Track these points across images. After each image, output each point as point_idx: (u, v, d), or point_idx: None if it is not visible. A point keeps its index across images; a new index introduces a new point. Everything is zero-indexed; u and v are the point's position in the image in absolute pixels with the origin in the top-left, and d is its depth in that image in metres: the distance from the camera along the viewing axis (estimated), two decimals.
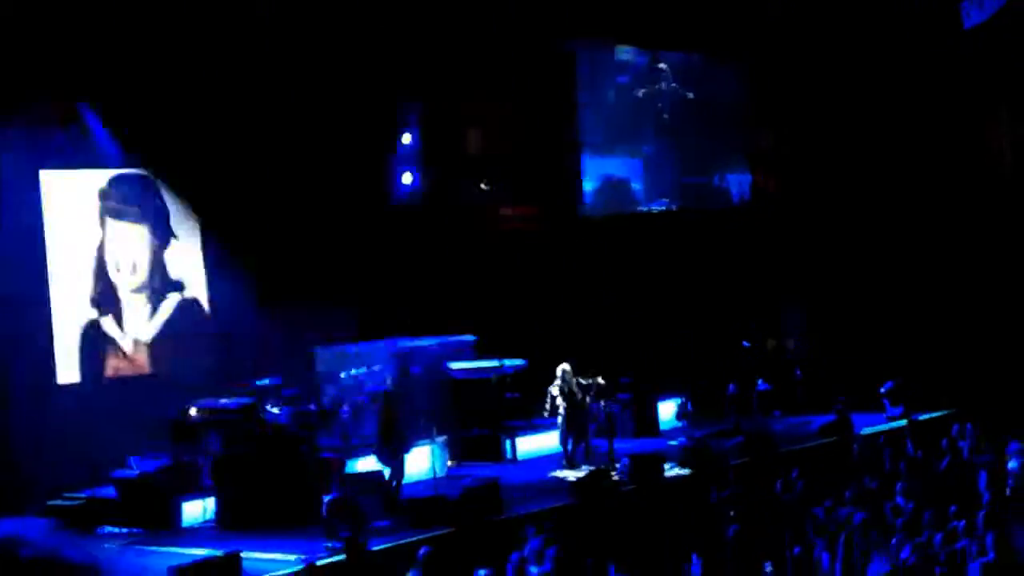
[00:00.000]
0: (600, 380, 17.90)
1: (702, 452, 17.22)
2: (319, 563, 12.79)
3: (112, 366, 18.42)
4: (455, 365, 19.42)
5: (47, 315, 17.80)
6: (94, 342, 18.24)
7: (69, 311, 18.04)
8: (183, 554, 13.70)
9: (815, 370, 20.79)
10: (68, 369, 17.96)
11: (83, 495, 16.17)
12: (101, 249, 18.51)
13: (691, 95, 25.13)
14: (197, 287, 19.34)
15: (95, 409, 17.51)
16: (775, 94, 24.82)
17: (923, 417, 19.56)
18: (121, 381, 18.38)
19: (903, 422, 19.38)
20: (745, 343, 21.08)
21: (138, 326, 18.73)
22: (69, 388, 17.85)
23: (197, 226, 19.33)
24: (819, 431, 18.93)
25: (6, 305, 16.95)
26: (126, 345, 18.60)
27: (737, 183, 25.85)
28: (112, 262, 18.59)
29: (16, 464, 16.46)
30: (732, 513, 14.73)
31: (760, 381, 20.65)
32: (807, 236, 22.71)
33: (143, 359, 18.72)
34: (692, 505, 15.58)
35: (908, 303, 22.02)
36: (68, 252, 18.09)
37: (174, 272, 19.19)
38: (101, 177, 18.57)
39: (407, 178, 22.10)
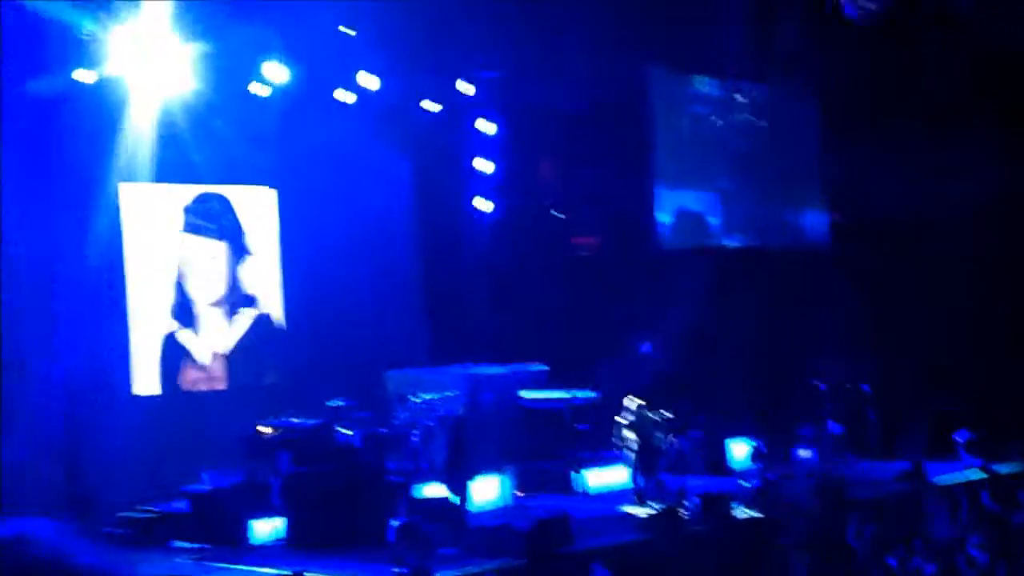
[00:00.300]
0: (669, 415, 17.74)
1: (773, 494, 17.03)
2: None
3: (189, 378, 18.57)
4: (526, 394, 19.38)
5: (125, 327, 17.97)
6: (172, 353, 18.40)
7: (148, 323, 18.22)
8: (250, 572, 13.77)
9: (891, 415, 20.48)
10: (145, 381, 18.13)
11: (155, 508, 16.29)
12: (180, 263, 18.69)
13: (767, 128, 24.97)
14: (272, 303, 19.47)
15: (171, 422, 17.70)
16: (851, 128, 24.56)
17: (1001, 469, 19.25)
18: (197, 395, 18.54)
19: (981, 474, 19.07)
20: (820, 385, 20.83)
21: (214, 339, 18.90)
22: (145, 400, 18.01)
23: (275, 242, 19.47)
24: (894, 478, 18.66)
25: (88, 316, 17.13)
26: (203, 357, 18.75)
27: (813, 220, 25.63)
28: (190, 276, 18.76)
29: (91, 475, 16.60)
30: (802, 558, 14.58)
31: (833, 424, 20.39)
32: (888, 275, 22.43)
33: (219, 371, 18.87)
34: (761, 547, 15.43)
35: (988, 348, 21.66)
36: (148, 265, 18.28)
37: (249, 288, 19.33)
38: (184, 193, 18.76)
39: (486, 205, 22.18)
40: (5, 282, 16.21)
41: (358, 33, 18.77)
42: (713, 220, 24.44)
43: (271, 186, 19.49)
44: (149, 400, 18.03)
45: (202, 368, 18.73)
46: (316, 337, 19.07)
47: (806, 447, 19.84)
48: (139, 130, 17.75)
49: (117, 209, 17.97)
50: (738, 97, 24.80)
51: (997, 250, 23.04)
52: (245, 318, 19.27)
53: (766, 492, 17.07)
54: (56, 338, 16.75)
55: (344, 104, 19.56)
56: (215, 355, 18.84)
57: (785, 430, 20.12)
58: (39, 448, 16.15)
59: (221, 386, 18.80)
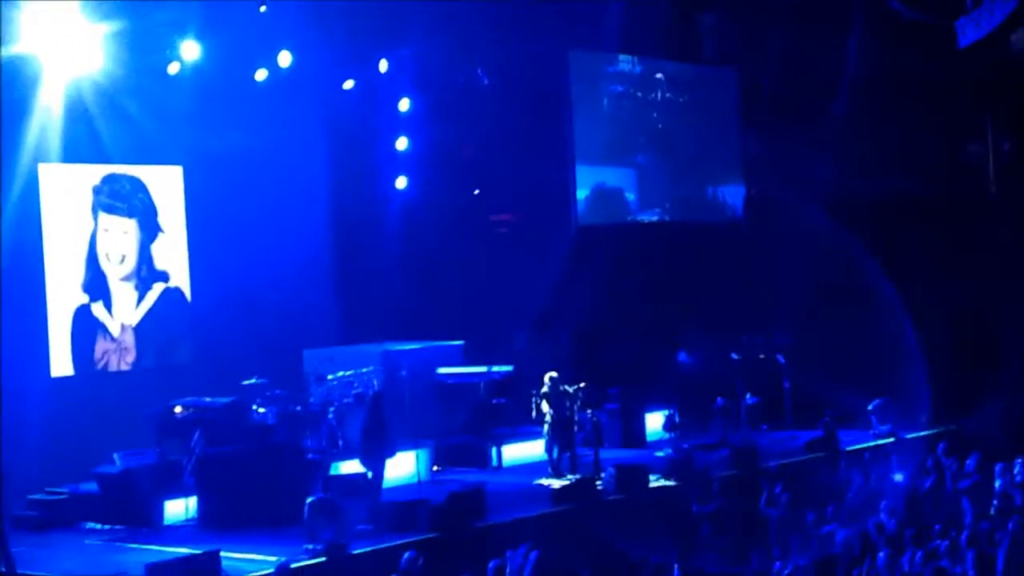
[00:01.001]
0: (585, 388, 17.83)
1: (687, 464, 17.23)
2: (295, 565, 12.75)
3: (103, 357, 18.40)
4: (443, 370, 19.42)
5: (43, 307, 17.84)
6: (86, 331, 18.25)
7: (63, 300, 18.11)
8: (163, 552, 13.68)
9: (803, 385, 20.78)
10: (61, 361, 17.97)
11: (65, 491, 16.13)
12: (93, 240, 18.52)
13: (686, 106, 25.16)
14: (183, 281, 19.33)
15: (85, 403, 17.52)
16: (767, 106, 24.88)
17: (910, 436, 19.61)
18: (112, 375, 18.35)
19: (890, 440, 19.42)
20: (734, 356, 21.06)
21: (127, 315, 18.76)
22: (61, 381, 17.82)
23: (183, 221, 19.33)
24: (806, 446, 18.94)
25: (3, 297, 16.91)
26: (116, 333, 18.58)
27: (731, 195, 25.89)
28: (103, 253, 18.60)
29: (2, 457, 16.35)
30: (717, 526, 14.77)
31: (748, 395, 20.64)
32: (799, 250, 22.73)
33: (131, 348, 18.71)
34: (676, 516, 15.60)
35: (898, 319, 22.03)
36: (62, 244, 18.18)
37: (160, 265, 19.19)
38: (96, 172, 18.56)
39: (401, 182, 22.15)
40: None
41: (272, 10, 18.62)
42: (630, 196, 24.58)
43: (183, 165, 19.29)
44: (64, 381, 17.84)
45: (116, 345, 18.59)
46: (230, 315, 18.92)
47: (720, 417, 20.05)
48: (50, 109, 17.54)
49: (30, 189, 17.72)
50: (658, 75, 24.95)
51: (906, 228, 23.46)
52: (155, 294, 19.12)
53: (681, 462, 17.26)
54: None
55: (258, 82, 19.40)
56: (127, 331, 18.70)
57: (700, 400, 20.33)
58: None
59: (134, 364, 18.61)
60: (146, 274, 19.09)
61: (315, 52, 19.63)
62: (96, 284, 18.52)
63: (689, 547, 14.34)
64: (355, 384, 18.12)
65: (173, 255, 19.29)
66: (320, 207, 21.02)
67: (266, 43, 19.11)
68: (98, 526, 15.49)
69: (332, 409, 17.75)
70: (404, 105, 21.94)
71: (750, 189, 25.72)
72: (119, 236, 18.84)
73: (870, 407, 19.99)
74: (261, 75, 19.38)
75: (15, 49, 16.75)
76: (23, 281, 17.48)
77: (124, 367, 18.57)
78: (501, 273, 21.78)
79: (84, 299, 18.39)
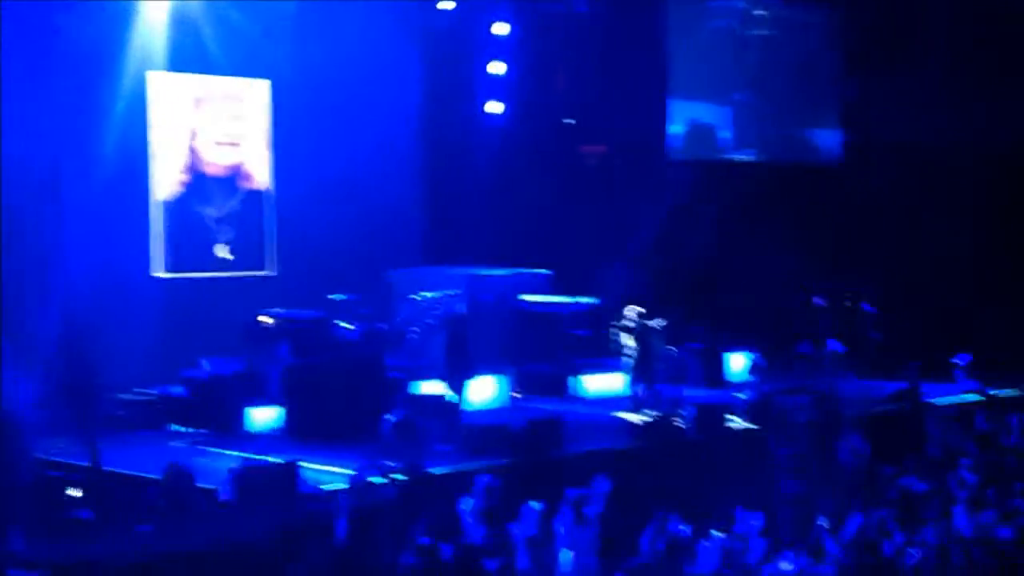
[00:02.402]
0: (669, 325, 17.72)
1: (767, 407, 17.10)
2: (372, 479, 12.87)
3: (197, 254, 18.74)
4: (527, 298, 19.41)
5: (146, 209, 18.25)
6: (183, 231, 18.62)
7: (165, 204, 18.52)
8: (245, 458, 13.86)
9: (892, 336, 20.50)
10: (159, 264, 18.38)
11: (154, 392, 16.41)
12: (194, 148, 18.73)
13: (786, 45, 24.72)
14: (278, 194, 19.51)
15: (176, 306, 17.81)
16: (871, 49, 24.34)
17: (997, 393, 19.31)
18: (203, 280, 18.61)
19: (976, 396, 19.14)
20: (820, 302, 20.81)
21: (223, 226, 19.07)
22: (157, 282, 18.17)
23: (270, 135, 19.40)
24: (889, 397, 18.73)
25: (107, 202, 17.18)
26: (211, 236, 18.92)
27: (828, 139, 25.48)
28: (204, 160, 18.90)
29: (95, 358, 16.61)
30: (794, 471, 14.69)
31: (833, 341, 20.41)
32: (895, 197, 22.34)
33: (225, 251, 19.00)
34: (754, 458, 15.53)
35: (994, 275, 21.64)
36: (166, 149, 18.48)
37: (256, 178, 19.39)
38: (197, 82, 18.69)
39: (494, 107, 22.04)
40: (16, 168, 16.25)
41: None
42: (724, 134, 24.29)
43: (275, 77, 19.39)
44: (160, 283, 18.16)
45: (211, 251, 18.87)
46: (318, 230, 19.10)
47: (804, 362, 19.86)
48: (152, 18, 17.69)
49: (136, 96, 17.94)
50: (760, 11, 24.52)
51: (1006, 181, 22.95)
52: (248, 207, 19.30)
53: (762, 405, 17.13)
54: (72, 223, 16.79)
55: None
56: (223, 238, 18.90)
57: (785, 345, 20.15)
58: (47, 331, 16.18)
59: (226, 271, 18.84)
60: (241, 186, 19.27)
61: None
62: (196, 191, 18.80)
63: (764, 490, 14.29)
64: (440, 306, 18.17)
65: (264, 169, 19.43)
66: (411, 127, 21.03)
67: None
68: (183, 429, 15.75)
69: (416, 329, 17.84)
70: (501, 29, 21.78)
71: (848, 133, 25.27)
72: (220, 144, 19.03)
73: (957, 362, 19.71)
74: None
75: None
76: (127, 184, 17.85)
77: (217, 274, 18.80)
78: (590, 204, 21.68)
79: (185, 205, 18.67)
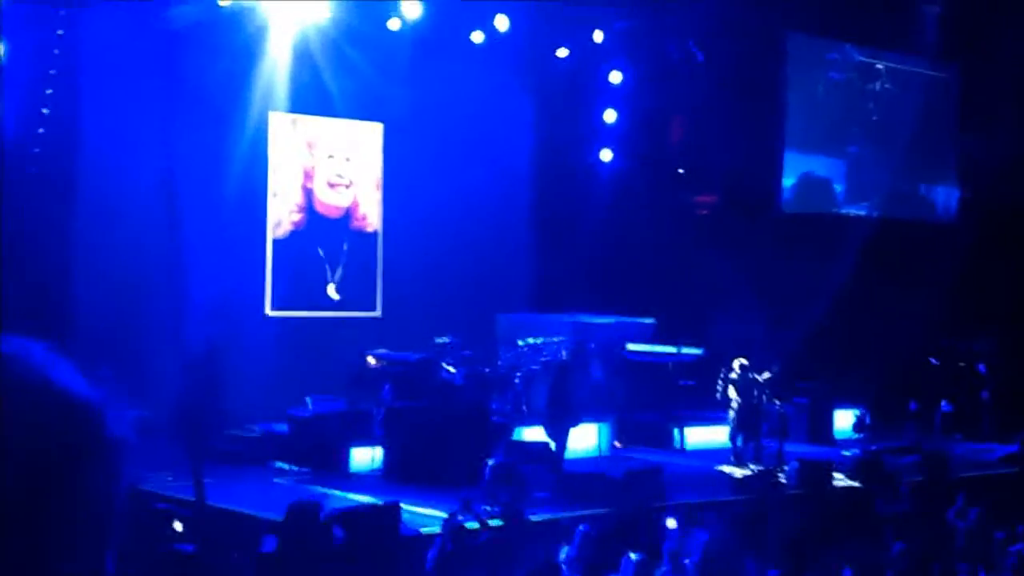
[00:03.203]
0: (775, 378, 17.54)
1: (875, 466, 16.80)
2: (467, 524, 12.87)
3: (309, 294, 19.01)
4: (632, 347, 19.35)
5: (263, 248, 18.64)
6: (297, 271, 18.92)
7: (281, 243, 18.87)
8: (346, 498, 13.98)
9: (1004, 397, 20.02)
10: (273, 302, 18.69)
11: (258, 429, 16.63)
12: (310, 189, 19.09)
13: (903, 99, 24.43)
14: (387, 236, 19.74)
15: (283, 344, 18.05)
16: (992, 107, 23.93)
17: None
18: (311, 320, 18.86)
19: None
20: (934, 361, 20.42)
21: (334, 266, 19.34)
22: (269, 321, 18.50)
23: (381, 177, 19.68)
24: (1000, 460, 18.28)
25: (226, 239, 17.61)
26: (323, 276, 19.16)
27: (944, 195, 25.07)
28: (319, 201, 19.21)
29: (207, 391, 16.88)
30: (900, 531, 14.38)
31: (944, 402, 20.01)
32: (1011, 257, 21.88)
33: (333, 291, 19.26)
34: (858, 517, 15.24)
35: None
36: (284, 189, 18.84)
37: (367, 220, 19.65)
38: (317, 124, 19.05)
39: (606, 154, 22.09)
40: (146, 203, 16.73)
41: None
42: (838, 187, 24.03)
43: (388, 120, 19.67)
44: (271, 321, 18.43)
45: (322, 291, 19.12)
46: (425, 273, 19.27)
47: (914, 422, 19.50)
48: (275, 58, 18.09)
49: (257, 135, 18.37)
50: (878, 65, 24.28)
51: None
52: (362, 248, 19.56)
53: (868, 462, 16.84)
54: (193, 259, 17.19)
55: (474, 44, 19.59)
56: (333, 279, 19.17)
57: (894, 403, 19.79)
58: (161, 363, 16.51)
59: (335, 312, 19.10)
60: (353, 227, 19.56)
61: (532, 18, 19.70)
62: (309, 231, 19.10)
63: (868, 550, 14.00)
64: (544, 352, 18.21)
65: (375, 210, 19.70)
66: (522, 173, 21.16)
67: (485, 6, 19.25)
68: (286, 466, 15.93)
69: (519, 374, 17.88)
70: (615, 77, 21.84)
71: (965, 191, 24.84)
72: (333, 186, 19.33)
73: None
74: (478, 37, 19.54)
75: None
76: (246, 223, 18.23)
77: (326, 313, 19.06)
78: (699, 254, 21.56)
79: (298, 244, 18.98)
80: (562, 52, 21.00)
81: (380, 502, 13.31)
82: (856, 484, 16.39)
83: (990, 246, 22.68)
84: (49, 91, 16.11)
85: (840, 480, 16.40)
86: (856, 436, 18.99)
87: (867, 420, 18.94)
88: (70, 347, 1.76)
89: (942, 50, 24.35)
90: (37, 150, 16.09)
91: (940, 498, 15.90)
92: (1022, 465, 18.05)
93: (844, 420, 19.87)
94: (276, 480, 15.37)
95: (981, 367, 20.27)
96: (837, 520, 15.08)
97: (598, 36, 21.01)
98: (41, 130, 16.10)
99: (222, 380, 16.00)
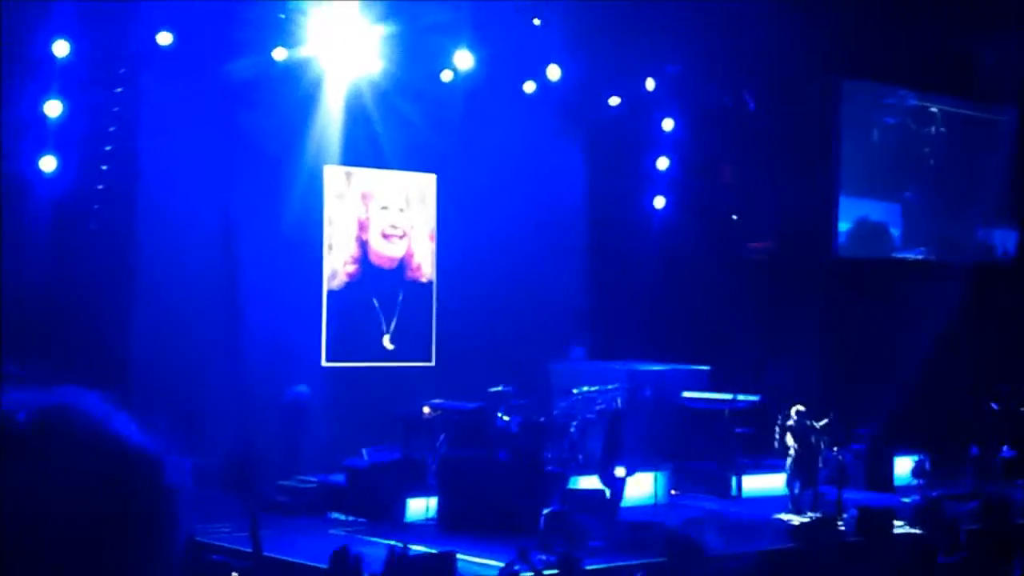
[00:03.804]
0: (833, 424, 17.40)
1: (936, 512, 16.57)
2: (522, 574, 12.82)
3: (365, 344, 19.08)
4: (688, 394, 19.28)
5: (319, 299, 18.75)
6: (353, 321, 19.01)
7: (337, 294, 18.97)
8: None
9: None
10: (330, 352, 18.77)
11: (315, 480, 16.70)
12: (365, 242, 19.24)
13: (959, 142, 24.32)
14: (441, 286, 19.83)
15: (339, 395, 18.14)
16: None
17: None
18: (366, 370, 18.96)
19: None
20: (994, 405, 20.18)
21: (388, 316, 19.42)
22: (326, 370, 18.58)
23: (435, 228, 19.81)
24: None
25: (288, 289, 17.73)
26: (380, 326, 19.26)
27: (1002, 238, 24.86)
28: (375, 252, 19.36)
29: (265, 442, 16.99)
30: None
31: (1006, 447, 19.74)
32: None
33: (388, 341, 19.35)
34: (919, 566, 15.03)
35: None
36: (339, 241, 19.02)
37: (420, 270, 19.78)
38: (370, 176, 19.25)
39: (659, 202, 22.11)
40: (216, 245, 16.92)
41: (545, 22, 18.91)
42: (894, 231, 23.90)
43: (441, 170, 19.80)
44: (325, 371, 18.55)
45: (378, 341, 19.20)
46: (479, 322, 19.32)
47: (975, 467, 19.24)
48: (330, 111, 18.30)
49: (312, 188, 18.56)
50: (933, 109, 24.20)
51: None
52: (416, 298, 19.67)
53: (929, 509, 16.61)
54: (250, 311, 17.39)
55: (526, 94, 19.73)
56: (389, 329, 19.27)
57: (953, 449, 19.56)
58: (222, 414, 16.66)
59: (390, 363, 19.20)
60: (407, 277, 19.69)
61: (584, 67, 19.81)
62: (364, 282, 19.21)
63: None
64: (599, 400, 18.16)
65: (429, 260, 19.82)
66: (575, 221, 21.21)
67: (537, 55, 19.40)
68: (343, 516, 15.97)
69: (575, 423, 17.84)
70: (668, 125, 21.90)
71: (1022, 233, 24.64)
72: (387, 236, 19.49)
73: None
74: (529, 87, 19.68)
75: (301, 52, 17.54)
76: (303, 275, 18.41)
77: (381, 364, 19.15)
78: (754, 300, 21.48)
79: (353, 295, 19.09)
80: (614, 100, 21.08)
81: (435, 551, 13.32)
82: (917, 531, 16.18)
83: None
84: (108, 147, 16.40)
85: (900, 527, 16.21)
86: (916, 483, 18.75)
87: (927, 466, 18.71)
88: (127, 397, 1.81)
89: (998, 92, 24.24)
90: (97, 206, 16.37)
91: (1003, 545, 15.66)
92: None
93: (904, 466, 19.63)
94: (332, 531, 15.40)
95: None
96: (898, 568, 14.89)
97: (650, 84, 21.07)
98: (101, 186, 16.38)
99: (277, 432, 16.16)
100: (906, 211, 24.03)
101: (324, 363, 18.69)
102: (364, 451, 16.46)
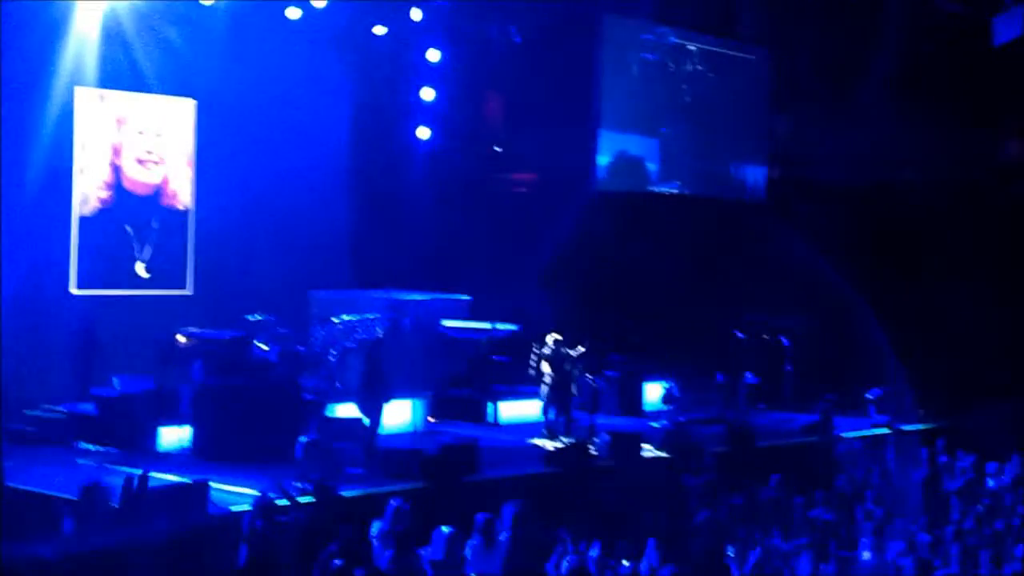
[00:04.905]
0: (583, 350, 17.84)
1: (682, 437, 17.26)
2: (277, 501, 12.79)
3: (115, 271, 18.59)
4: (447, 323, 19.46)
5: (68, 225, 18.12)
6: (104, 248, 18.48)
7: (87, 220, 18.38)
8: (155, 478, 13.72)
9: (806, 368, 20.79)
10: (79, 280, 18.18)
11: (63, 409, 16.23)
12: (118, 166, 18.66)
13: (715, 81, 25.05)
14: (197, 213, 19.44)
15: (89, 323, 17.61)
16: (798, 90, 24.75)
17: (906, 428, 19.61)
18: (119, 298, 18.47)
19: (886, 430, 19.43)
20: (739, 334, 21.06)
21: (142, 243, 18.95)
22: (75, 299, 18.01)
23: (194, 154, 19.39)
24: (801, 430, 18.97)
25: (34, 213, 17.04)
26: (131, 253, 18.80)
27: (753, 175, 25.80)
28: (128, 177, 18.80)
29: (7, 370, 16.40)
30: (705, 499, 14.81)
31: (749, 374, 20.65)
32: (815, 236, 22.67)
33: (142, 269, 18.89)
34: (666, 486, 15.63)
35: (908, 311, 21.99)
36: (91, 165, 18.35)
37: (177, 196, 19.32)
38: (124, 99, 18.64)
39: (423, 132, 22.12)
40: None
41: None
42: (651, 166, 24.51)
43: (202, 96, 19.32)
44: (77, 299, 17.99)
45: (129, 268, 18.75)
46: (238, 250, 19.05)
47: (720, 393, 20.08)
48: (83, 32, 17.62)
49: (64, 111, 17.83)
50: (691, 47, 24.82)
51: (933, 216, 23.36)
52: (172, 226, 19.23)
53: (675, 434, 17.28)
54: None
55: (290, 20, 19.38)
56: (142, 256, 18.79)
57: (700, 376, 20.35)
58: None
59: (143, 289, 18.74)
60: (163, 204, 19.20)
61: None
62: (117, 208, 18.66)
63: (674, 519, 14.38)
64: (358, 329, 18.17)
65: (186, 188, 19.38)
66: (338, 150, 21.03)
67: None
68: (92, 447, 15.59)
69: (334, 352, 17.82)
70: (434, 56, 21.88)
71: (773, 171, 25.62)
72: (142, 162, 18.94)
73: (869, 396, 20.00)
74: (294, 13, 19.35)
75: None
76: (51, 199, 17.70)
77: (134, 292, 18.68)
78: (515, 232, 21.77)
79: (105, 222, 18.52)
80: (379, 29, 20.93)
81: (189, 480, 13.14)
82: (664, 455, 16.81)
83: (796, 224, 23.44)
84: None
85: (649, 451, 16.80)
86: (665, 408, 19.46)
87: (676, 392, 19.42)
88: None
89: (753, 33, 25.05)
90: None
91: (743, 467, 16.43)
92: (821, 434, 18.75)
93: (654, 393, 20.33)
94: (80, 461, 15.03)
95: (784, 340, 20.97)
96: (647, 490, 15.45)
97: (416, 14, 21.00)
98: None
99: (21, 360, 15.61)
100: (663, 146, 24.65)
101: (73, 290, 18.10)
102: (115, 380, 16.05)
